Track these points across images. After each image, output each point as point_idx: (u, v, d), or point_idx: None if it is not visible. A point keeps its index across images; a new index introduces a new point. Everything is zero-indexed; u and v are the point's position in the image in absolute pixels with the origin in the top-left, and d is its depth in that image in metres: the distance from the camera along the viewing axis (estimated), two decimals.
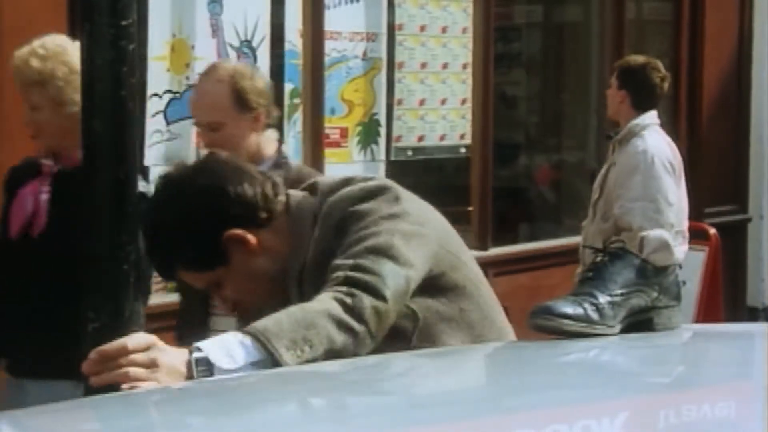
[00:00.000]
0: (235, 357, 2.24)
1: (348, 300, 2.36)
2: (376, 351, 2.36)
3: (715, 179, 8.28)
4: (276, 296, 2.62)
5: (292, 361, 2.25)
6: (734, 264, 8.27)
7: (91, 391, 2.29)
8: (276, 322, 2.31)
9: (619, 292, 2.46)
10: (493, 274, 6.22)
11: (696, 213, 7.98)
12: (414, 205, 2.63)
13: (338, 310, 2.35)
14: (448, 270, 2.62)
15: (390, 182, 2.71)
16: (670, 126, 8.33)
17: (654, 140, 5.84)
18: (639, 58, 6.10)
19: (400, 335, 2.51)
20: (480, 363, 2.50)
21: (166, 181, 2.67)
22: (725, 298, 6.97)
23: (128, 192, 2.39)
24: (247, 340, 2.27)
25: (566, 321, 2.39)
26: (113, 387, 2.23)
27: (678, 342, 2.56)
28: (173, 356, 2.24)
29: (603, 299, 2.44)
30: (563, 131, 8.62)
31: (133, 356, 2.21)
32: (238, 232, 2.61)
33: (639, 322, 2.49)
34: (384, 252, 2.46)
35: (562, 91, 8.66)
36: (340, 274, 2.43)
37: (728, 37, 8.44)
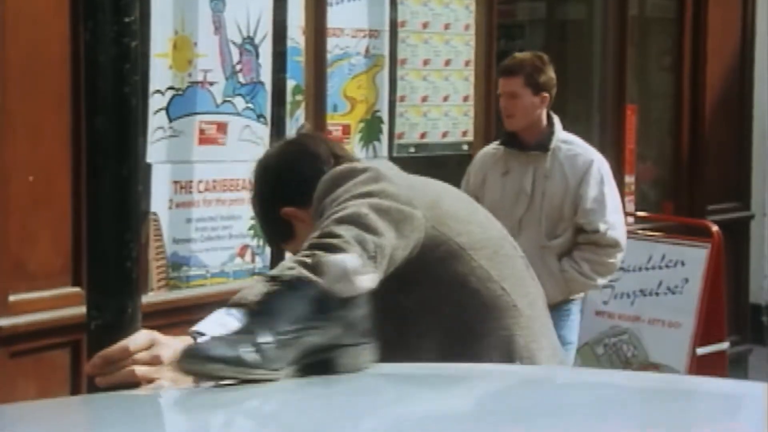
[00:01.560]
0: (227, 325, 2.24)
1: (307, 260, 2.29)
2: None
3: (718, 176, 8.28)
4: None
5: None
6: (737, 261, 8.27)
7: (95, 388, 2.29)
8: (248, 287, 2.34)
9: (288, 329, 2.11)
10: None
11: (698, 210, 8.00)
12: (397, 188, 2.56)
13: (298, 268, 2.29)
14: (448, 257, 2.58)
15: (376, 164, 2.68)
16: (673, 123, 8.34)
17: (590, 147, 5.57)
18: (529, 55, 5.64)
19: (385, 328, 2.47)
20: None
21: (258, 161, 3.05)
22: (727, 296, 6.97)
23: (131, 189, 2.39)
24: (232, 309, 2.28)
25: (216, 365, 2.06)
26: (120, 388, 2.24)
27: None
28: (176, 352, 2.24)
29: (266, 338, 2.09)
30: (565, 128, 8.59)
31: (136, 356, 2.22)
32: (290, 209, 2.89)
33: (319, 363, 2.15)
34: (350, 221, 2.41)
35: (564, 89, 8.64)
36: (305, 244, 2.39)
37: (731, 34, 8.44)
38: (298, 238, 2.84)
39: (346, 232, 2.37)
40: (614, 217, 5.36)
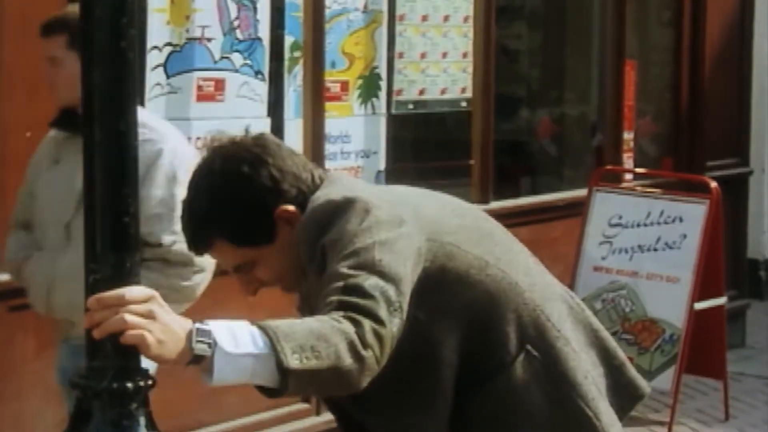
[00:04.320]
0: (238, 341, 2.25)
1: (355, 327, 2.34)
2: None
3: (717, 132, 8.28)
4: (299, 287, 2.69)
5: (295, 364, 2.25)
6: (735, 217, 8.29)
7: (92, 342, 2.30)
8: (290, 324, 2.31)
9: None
10: None
11: (697, 166, 8.00)
12: (387, 210, 2.56)
13: (350, 333, 2.33)
14: (446, 261, 2.59)
15: (358, 195, 2.60)
16: (672, 79, 8.31)
17: (171, 133, 4.21)
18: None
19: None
20: None
21: (220, 149, 2.67)
22: (726, 251, 6.98)
23: (129, 144, 2.38)
24: (257, 332, 2.27)
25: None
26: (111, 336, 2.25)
27: None
28: (173, 318, 2.25)
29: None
30: (564, 84, 8.60)
31: (131, 306, 2.23)
32: (291, 208, 2.61)
33: None
34: (369, 268, 2.43)
35: (563, 45, 8.63)
36: (334, 299, 2.40)
37: None
38: (278, 243, 2.62)
39: (373, 288, 2.39)
40: (159, 210, 3.99)
